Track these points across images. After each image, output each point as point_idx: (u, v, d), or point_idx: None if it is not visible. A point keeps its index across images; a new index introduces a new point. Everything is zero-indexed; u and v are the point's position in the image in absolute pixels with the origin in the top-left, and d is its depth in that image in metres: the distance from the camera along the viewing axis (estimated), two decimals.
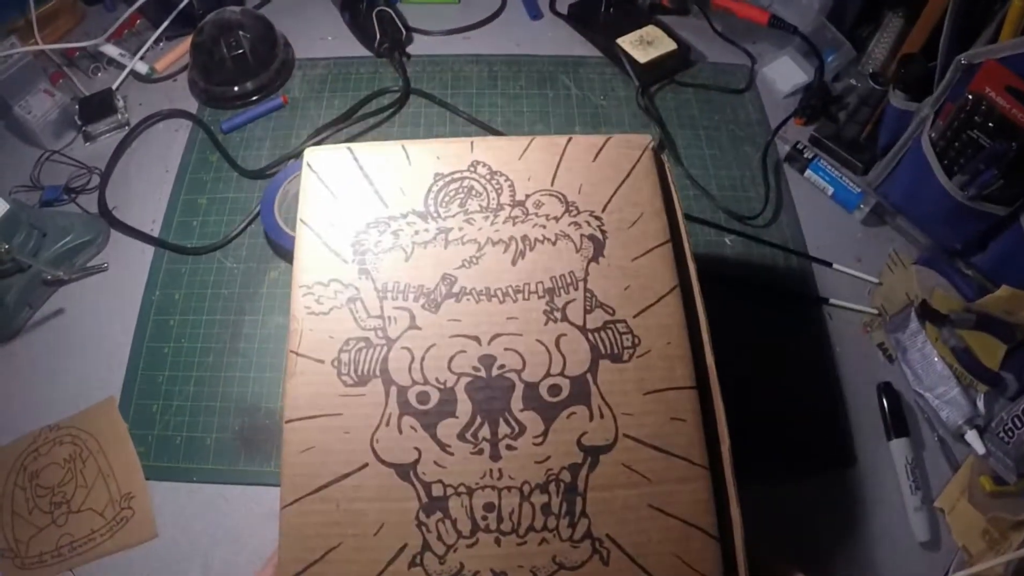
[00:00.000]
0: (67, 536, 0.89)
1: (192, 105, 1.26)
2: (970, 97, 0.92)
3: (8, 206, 0.99)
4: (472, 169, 0.76)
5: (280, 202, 1.08)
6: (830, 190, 1.15)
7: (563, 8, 1.40)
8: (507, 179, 0.76)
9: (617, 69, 1.31)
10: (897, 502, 0.90)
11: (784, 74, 1.30)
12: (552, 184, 0.75)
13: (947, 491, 0.91)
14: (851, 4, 1.26)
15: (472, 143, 0.78)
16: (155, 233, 1.11)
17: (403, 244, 0.71)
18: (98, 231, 1.10)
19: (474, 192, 0.75)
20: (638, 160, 0.77)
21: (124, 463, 0.94)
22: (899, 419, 0.94)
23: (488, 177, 0.76)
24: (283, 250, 1.06)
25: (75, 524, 0.90)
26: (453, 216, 0.73)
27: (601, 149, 0.77)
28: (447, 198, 0.74)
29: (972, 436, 0.90)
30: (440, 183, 0.75)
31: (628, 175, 0.76)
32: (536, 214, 0.74)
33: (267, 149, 1.20)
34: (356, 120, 1.22)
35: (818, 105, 1.22)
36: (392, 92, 1.26)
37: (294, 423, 0.64)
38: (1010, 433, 0.86)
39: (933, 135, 0.97)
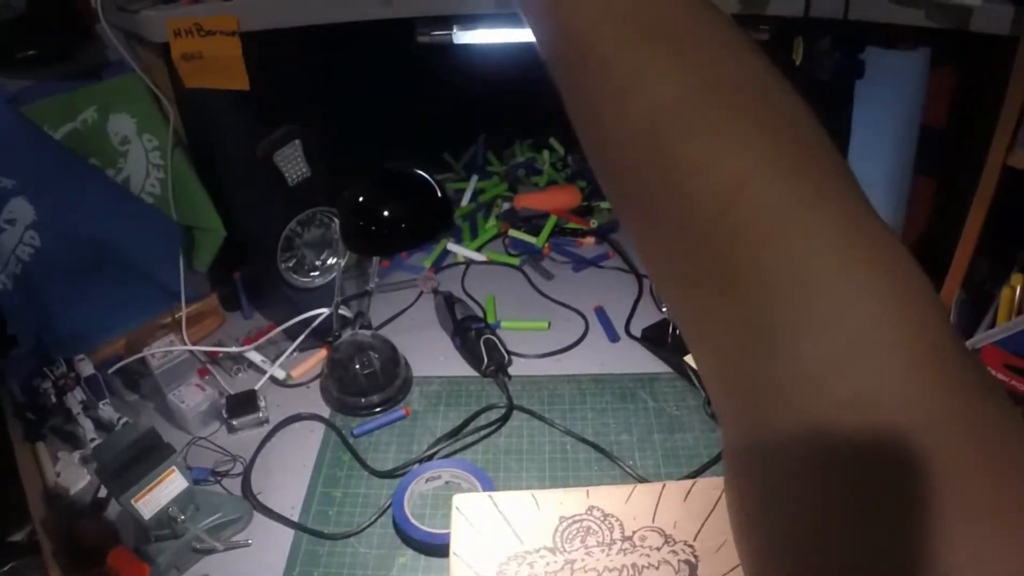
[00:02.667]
0: None
1: (324, 410, 1.46)
2: None
3: (188, 484, 1.14)
4: (589, 512, 0.97)
5: (408, 499, 1.23)
6: None
7: (637, 331, 1.62)
8: (617, 519, 0.96)
9: (687, 382, 1.49)
10: None
11: None
12: (653, 521, 0.95)
13: None
14: None
15: (588, 492, 0.99)
16: (295, 518, 1.25)
17: (537, 573, 0.90)
18: (243, 511, 1.24)
19: (591, 531, 0.94)
20: (719, 498, 0.96)
21: None
22: None
23: (602, 519, 0.96)
24: (411, 540, 1.18)
25: None
26: (576, 550, 0.93)
27: (690, 491, 0.97)
28: (570, 535, 0.94)
29: None
30: (564, 524, 0.95)
31: (712, 510, 0.95)
32: (641, 546, 0.93)
33: (393, 452, 1.36)
34: (468, 432, 1.39)
35: None
36: (498, 408, 1.44)
37: None
38: None
39: None
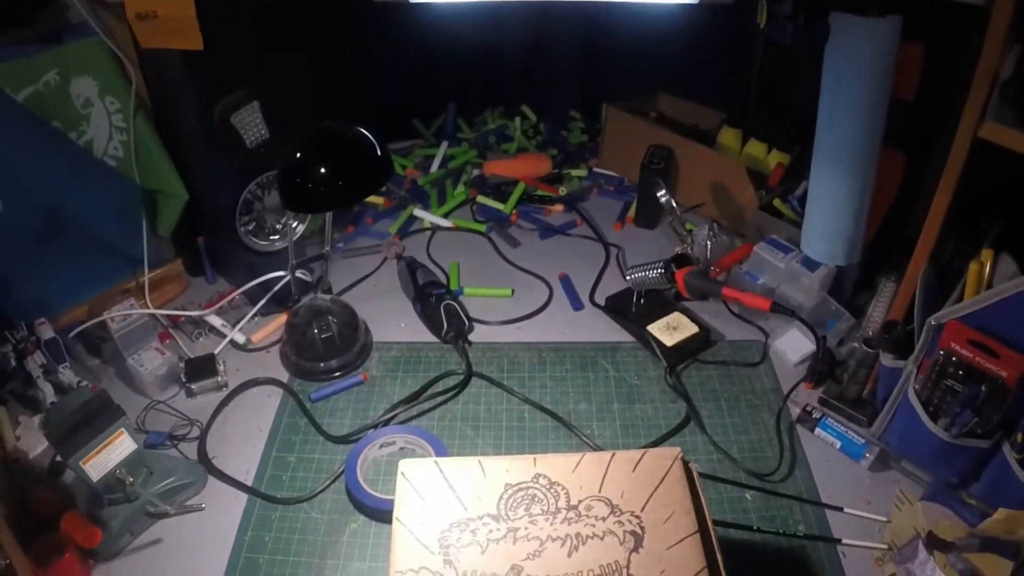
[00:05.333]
0: None
1: (283, 375, 1.45)
2: (941, 352, 1.08)
3: (136, 446, 1.13)
4: (535, 480, 0.95)
5: (361, 465, 1.22)
6: (838, 443, 1.29)
7: (601, 300, 1.62)
8: (563, 488, 0.94)
9: (649, 352, 1.49)
10: None
11: (793, 345, 1.48)
12: (600, 491, 0.94)
13: None
14: (848, 276, 1.48)
15: (535, 459, 0.98)
16: (248, 483, 1.25)
17: (480, 540, 0.89)
18: (197, 475, 1.24)
19: (536, 499, 0.94)
20: (669, 469, 0.95)
21: None
22: None
23: (548, 487, 0.95)
24: (363, 506, 1.19)
25: None
26: (520, 518, 0.91)
27: (639, 461, 0.96)
28: (515, 503, 0.93)
29: None
30: (509, 491, 0.94)
31: (661, 481, 0.94)
32: (587, 515, 0.91)
33: (349, 418, 1.36)
34: (425, 398, 1.39)
35: (824, 370, 1.38)
36: (457, 374, 1.44)
37: None
38: None
39: (917, 387, 1.13)
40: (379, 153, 1.24)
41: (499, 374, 1.45)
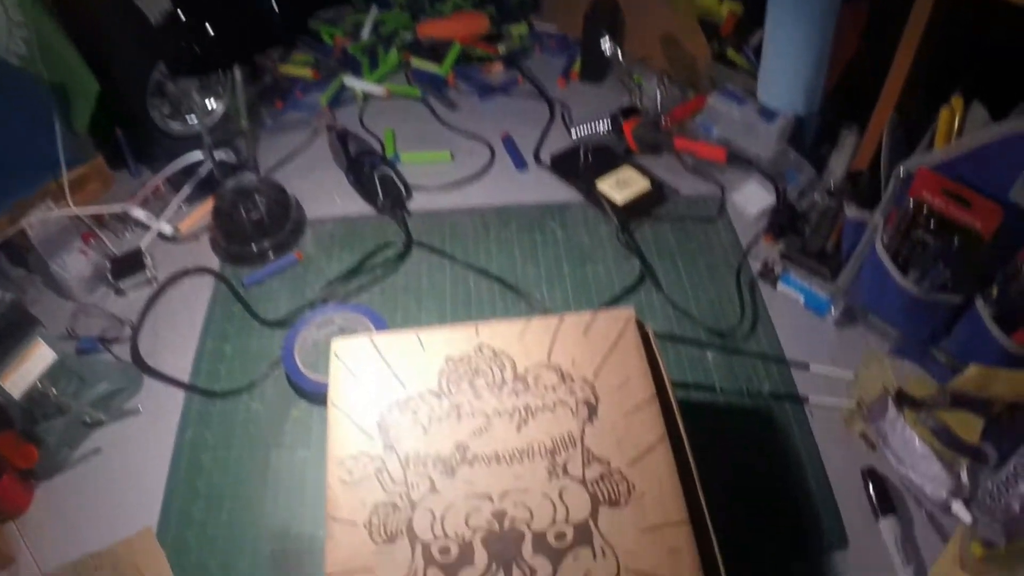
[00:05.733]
0: None
1: (214, 263, 1.37)
2: (911, 202, 1.02)
3: (56, 356, 1.07)
4: (478, 351, 0.88)
5: (299, 348, 1.17)
6: (801, 298, 1.24)
7: (546, 158, 1.54)
8: (509, 357, 0.88)
9: (599, 211, 1.42)
10: None
11: (752, 198, 1.41)
12: (548, 359, 0.87)
13: (940, 562, 0.95)
14: (809, 126, 1.40)
15: (477, 328, 0.90)
16: (185, 379, 1.18)
17: (421, 420, 0.83)
18: (131, 378, 1.18)
19: (480, 371, 0.87)
20: (622, 331, 0.89)
21: None
22: (885, 499, 1.00)
23: (492, 357, 0.88)
24: (304, 391, 1.14)
25: None
26: (463, 393, 0.85)
27: (590, 324, 0.90)
28: (457, 378, 0.86)
29: (958, 507, 0.94)
30: (450, 365, 0.87)
31: (615, 344, 0.88)
32: (535, 386, 0.85)
33: (284, 301, 1.29)
34: (364, 273, 1.32)
35: (785, 223, 1.32)
36: (395, 245, 1.36)
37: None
38: (996, 499, 0.91)
39: (885, 239, 1.07)
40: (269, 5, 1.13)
41: (441, 242, 1.38)
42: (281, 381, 1.17)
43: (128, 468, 1.09)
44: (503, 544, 0.74)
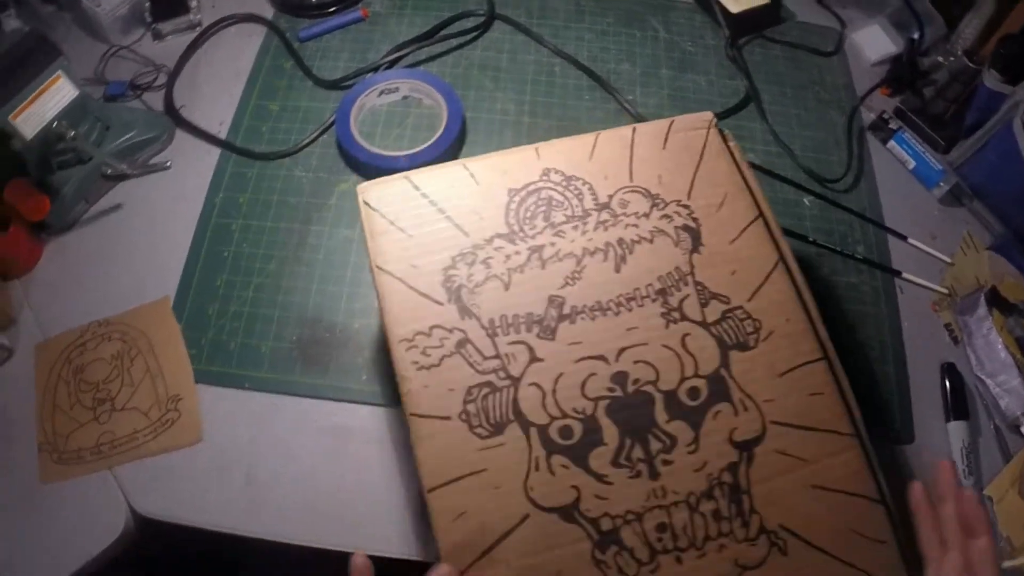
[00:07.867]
0: (108, 434, 0.84)
1: (267, 10, 1.20)
2: None
3: (77, 92, 0.93)
4: (545, 178, 0.72)
5: (356, 115, 1.03)
6: (912, 163, 1.10)
7: None
8: (584, 182, 0.72)
9: (707, 17, 1.24)
10: None
11: (873, 42, 1.24)
12: (631, 180, 0.72)
13: (997, 480, 0.87)
14: None
15: (537, 149, 0.74)
16: (222, 136, 1.06)
17: (498, 273, 0.67)
18: (163, 129, 1.05)
19: (554, 202, 0.71)
20: (707, 139, 0.74)
21: (174, 364, 0.88)
22: (960, 401, 0.91)
23: (564, 184, 0.72)
24: (356, 162, 1.01)
25: (117, 422, 0.85)
26: (541, 232, 0.69)
27: (668, 133, 0.74)
28: (528, 214, 0.70)
29: None
30: (516, 199, 0.71)
31: (702, 156, 0.73)
32: (624, 214, 0.70)
33: (344, 61, 1.14)
34: (437, 40, 1.16)
35: (906, 78, 1.16)
36: (476, 15, 1.19)
37: (437, 491, 0.60)
38: None
39: None
40: None
41: (527, 19, 1.20)
42: (331, 148, 1.04)
43: (150, 229, 0.99)
44: (632, 412, 0.62)
